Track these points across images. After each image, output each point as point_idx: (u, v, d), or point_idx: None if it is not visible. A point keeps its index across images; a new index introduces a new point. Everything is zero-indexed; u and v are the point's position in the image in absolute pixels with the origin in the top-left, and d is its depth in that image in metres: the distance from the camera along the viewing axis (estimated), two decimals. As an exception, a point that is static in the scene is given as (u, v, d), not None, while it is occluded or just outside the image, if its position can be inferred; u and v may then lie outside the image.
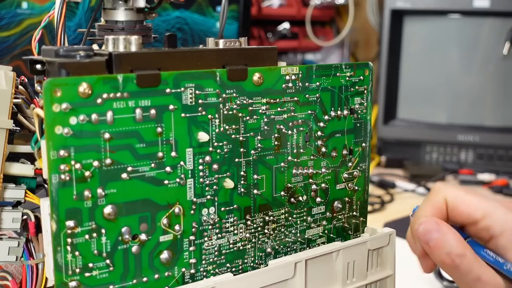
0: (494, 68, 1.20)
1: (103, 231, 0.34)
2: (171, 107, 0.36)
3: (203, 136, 0.37)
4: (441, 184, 0.40)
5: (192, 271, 0.38)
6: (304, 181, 0.43)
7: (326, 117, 0.43)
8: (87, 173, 0.33)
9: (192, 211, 0.38)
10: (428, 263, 0.40)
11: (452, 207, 0.39)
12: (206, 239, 0.39)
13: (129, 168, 0.35)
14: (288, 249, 0.43)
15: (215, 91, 0.38)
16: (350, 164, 0.45)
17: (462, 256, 0.36)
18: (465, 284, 0.37)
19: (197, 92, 0.37)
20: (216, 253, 0.39)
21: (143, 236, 0.36)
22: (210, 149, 0.38)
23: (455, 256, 0.36)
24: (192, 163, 0.37)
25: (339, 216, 0.45)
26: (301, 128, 0.42)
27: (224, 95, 0.38)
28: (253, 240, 0.41)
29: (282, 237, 0.42)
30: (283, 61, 0.43)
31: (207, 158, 0.38)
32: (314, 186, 0.43)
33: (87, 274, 0.34)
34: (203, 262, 0.39)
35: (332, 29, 1.46)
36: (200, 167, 0.38)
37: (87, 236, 0.34)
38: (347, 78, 0.44)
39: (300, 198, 0.43)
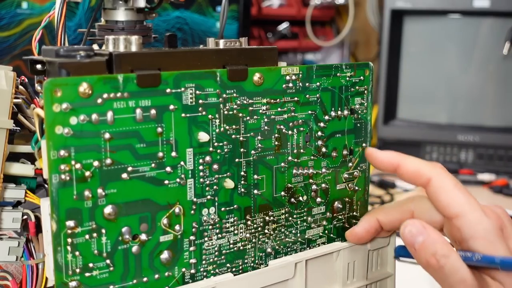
0: (494, 68, 1.20)
1: (103, 231, 0.34)
2: (171, 107, 0.36)
3: (203, 136, 0.37)
4: (437, 165, 0.38)
5: (192, 271, 0.38)
6: (304, 181, 0.43)
7: (327, 117, 0.43)
8: (87, 173, 0.33)
9: (192, 211, 0.38)
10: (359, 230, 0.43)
11: (434, 192, 0.38)
12: (206, 239, 0.39)
13: (129, 168, 0.35)
14: (288, 249, 0.43)
15: (216, 91, 0.38)
16: (350, 164, 0.45)
17: (447, 257, 0.35)
18: (448, 286, 0.36)
19: (197, 92, 0.37)
20: (216, 253, 0.39)
21: (143, 236, 0.36)
22: (210, 149, 0.38)
23: (440, 257, 0.35)
24: (192, 163, 0.37)
25: (339, 216, 0.45)
26: (302, 128, 0.42)
27: (224, 95, 0.38)
28: (253, 240, 0.41)
29: (282, 237, 0.42)
30: (283, 61, 0.43)
31: (207, 158, 0.38)
32: (314, 186, 0.43)
33: (87, 274, 0.34)
34: (203, 262, 0.39)
35: (332, 29, 1.46)
36: (200, 167, 0.38)
37: (87, 236, 0.34)
38: (347, 78, 0.44)
39: (300, 198, 0.43)
